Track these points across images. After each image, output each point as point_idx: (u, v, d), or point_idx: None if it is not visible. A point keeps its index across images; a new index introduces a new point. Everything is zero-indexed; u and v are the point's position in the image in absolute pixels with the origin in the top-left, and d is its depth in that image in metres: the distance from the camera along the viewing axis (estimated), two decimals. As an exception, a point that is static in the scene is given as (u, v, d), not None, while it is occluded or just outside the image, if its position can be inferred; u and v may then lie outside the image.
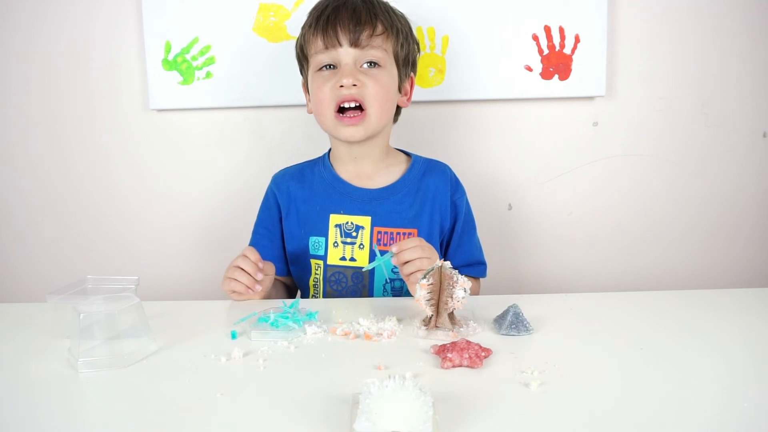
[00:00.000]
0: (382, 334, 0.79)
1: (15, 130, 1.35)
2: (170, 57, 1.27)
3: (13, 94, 1.33)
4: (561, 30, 1.25)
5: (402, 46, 1.03)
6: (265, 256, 1.09)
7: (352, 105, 0.99)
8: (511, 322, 0.79)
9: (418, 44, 1.12)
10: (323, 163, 1.12)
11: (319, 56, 0.99)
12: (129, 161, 1.35)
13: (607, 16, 1.25)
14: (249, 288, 0.93)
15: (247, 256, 0.94)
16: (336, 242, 1.05)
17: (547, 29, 1.26)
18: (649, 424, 0.56)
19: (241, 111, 1.33)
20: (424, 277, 0.81)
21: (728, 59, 1.30)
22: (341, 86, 0.97)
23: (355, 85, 0.96)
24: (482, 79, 1.28)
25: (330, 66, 1.00)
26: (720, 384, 0.64)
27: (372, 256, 1.04)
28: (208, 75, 1.28)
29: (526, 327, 0.79)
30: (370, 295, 1.05)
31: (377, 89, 0.98)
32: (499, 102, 1.31)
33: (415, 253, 0.88)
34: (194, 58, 1.28)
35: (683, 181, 1.34)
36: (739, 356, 0.72)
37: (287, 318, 0.82)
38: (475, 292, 1.13)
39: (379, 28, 0.99)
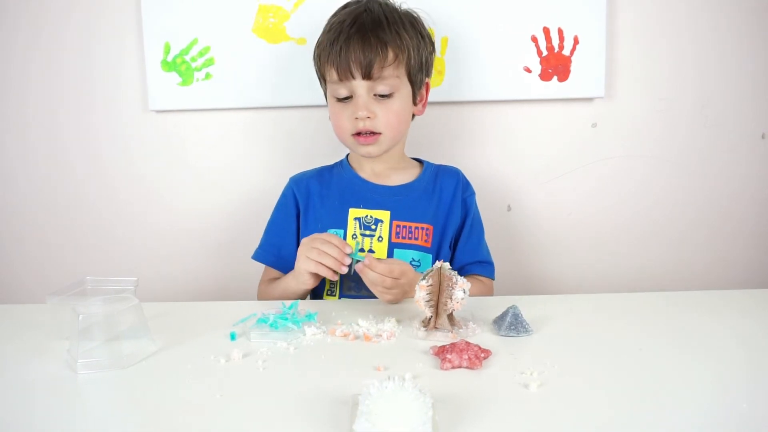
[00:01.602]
0: (381, 335, 0.79)
1: (14, 131, 1.35)
2: (169, 58, 1.27)
3: (12, 95, 1.33)
4: (560, 31, 1.26)
5: (414, 59, 1.05)
6: (275, 256, 1.11)
7: (368, 133, 1.05)
8: (510, 323, 0.80)
9: (432, 43, 1.13)
10: (341, 165, 1.17)
11: (336, 87, 1.04)
12: (128, 162, 1.35)
13: (606, 18, 1.25)
14: (334, 272, 0.91)
15: (331, 242, 0.92)
16: (355, 234, 1.08)
17: (546, 31, 1.26)
18: (647, 425, 0.56)
19: (241, 112, 1.33)
20: (424, 279, 0.81)
21: (727, 60, 1.30)
22: (356, 118, 1.03)
23: (368, 117, 1.03)
24: (481, 81, 1.28)
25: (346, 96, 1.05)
26: (720, 385, 0.64)
27: (390, 250, 1.07)
28: (208, 76, 1.28)
29: (525, 328, 0.79)
30: None
31: (389, 117, 1.04)
32: (498, 103, 1.31)
33: (377, 280, 0.89)
34: (193, 59, 1.28)
35: (682, 182, 1.35)
36: (739, 357, 0.72)
37: (286, 319, 0.82)
38: (488, 292, 1.14)
39: (390, 57, 1.02)
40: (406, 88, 1.06)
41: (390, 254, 1.07)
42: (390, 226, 1.08)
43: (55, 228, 1.38)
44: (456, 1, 1.25)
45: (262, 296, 1.12)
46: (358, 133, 1.05)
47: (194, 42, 1.27)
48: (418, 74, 1.08)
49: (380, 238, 1.07)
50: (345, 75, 1.02)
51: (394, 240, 1.07)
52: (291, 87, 1.28)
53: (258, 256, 1.13)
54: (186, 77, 1.28)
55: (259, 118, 1.33)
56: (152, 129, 1.34)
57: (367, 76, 1.01)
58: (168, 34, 1.27)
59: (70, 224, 1.37)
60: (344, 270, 0.92)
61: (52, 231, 1.38)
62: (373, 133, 1.04)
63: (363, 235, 1.08)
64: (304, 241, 0.95)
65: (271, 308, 0.86)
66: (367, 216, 1.08)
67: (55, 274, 1.38)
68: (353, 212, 1.09)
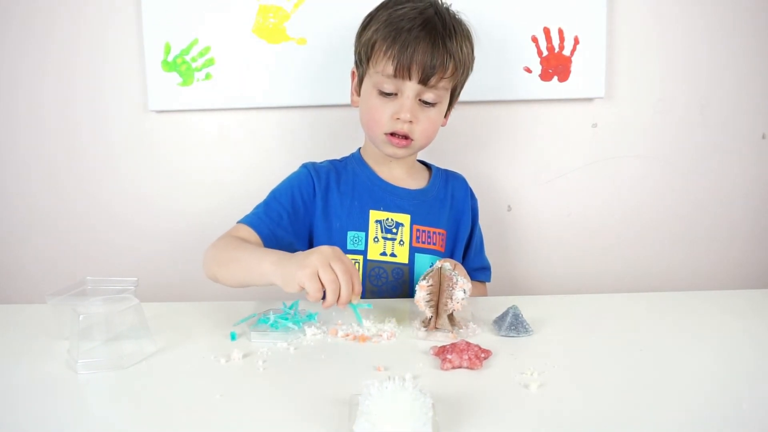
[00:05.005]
0: (381, 336, 0.79)
1: (13, 132, 1.35)
2: (170, 58, 1.27)
3: (9, 96, 1.33)
4: (560, 32, 1.26)
5: (464, 75, 1.03)
6: (270, 230, 1.00)
7: (403, 136, 1.01)
8: (510, 323, 0.80)
9: (473, 59, 1.08)
10: (356, 161, 1.12)
11: (384, 80, 0.98)
12: (128, 162, 1.35)
13: (606, 18, 1.25)
14: (336, 302, 0.78)
15: (351, 278, 0.78)
16: (377, 237, 1.05)
17: (547, 31, 1.26)
18: (648, 425, 0.56)
19: (241, 112, 1.33)
20: (424, 279, 0.81)
21: (727, 61, 1.30)
22: (398, 118, 0.99)
23: (411, 121, 0.99)
24: (481, 81, 1.27)
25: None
26: (719, 385, 0.65)
27: (412, 254, 1.05)
28: (208, 76, 1.28)
29: (525, 328, 0.80)
30: (411, 290, 1.05)
31: (427, 125, 1.01)
32: (498, 103, 1.31)
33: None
34: (194, 60, 1.28)
35: (682, 182, 1.35)
36: (740, 357, 0.72)
37: (287, 319, 0.82)
38: (484, 294, 1.17)
39: (450, 69, 0.98)
40: (446, 100, 1.03)
41: (411, 258, 1.05)
42: (411, 230, 1.06)
43: (55, 228, 1.38)
44: (456, 1, 1.25)
45: (219, 250, 0.94)
46: (392, 133, 1.01)
47: (194, 42, 1.27)
48: (459, 88, 1.06)
49: (401, 242, 1.05)
50: (402, 74, 0.96)
51: (414, 244, 1.06)
52: (291, 87, 1.27)
53: (252, 222, 0.99)
54: (186, 77, 1.28)
55: (259, 118, 1.33)
56: (152, 129, 1.34)
57: (424, 81, 0.97)
58: (168, 34, 1.27)
59: (70, 225, 1.37)
60: (330, 305, 0.78)
61: (52, 231, 1.38)
62: (407, 137, 1.01)
63: (384, 238, 1.05)
64: (325, 251, 0.79)
65: (271, 308, 0.86)
66: (388, 219, 1.06)
67: (55, 275, 1.38)
68: (374, 214, 1.06)
